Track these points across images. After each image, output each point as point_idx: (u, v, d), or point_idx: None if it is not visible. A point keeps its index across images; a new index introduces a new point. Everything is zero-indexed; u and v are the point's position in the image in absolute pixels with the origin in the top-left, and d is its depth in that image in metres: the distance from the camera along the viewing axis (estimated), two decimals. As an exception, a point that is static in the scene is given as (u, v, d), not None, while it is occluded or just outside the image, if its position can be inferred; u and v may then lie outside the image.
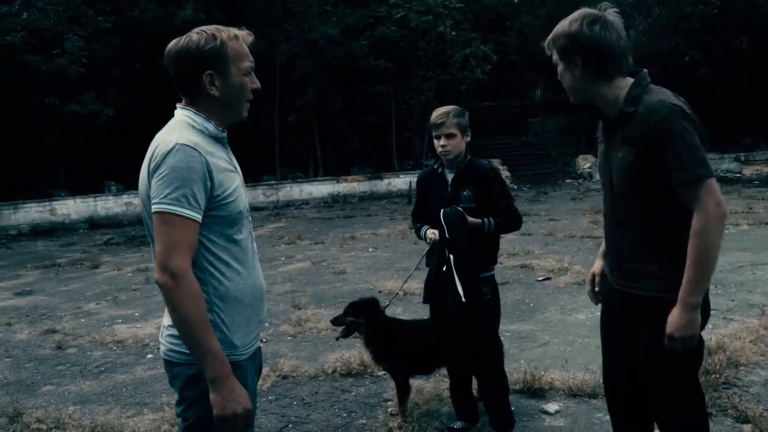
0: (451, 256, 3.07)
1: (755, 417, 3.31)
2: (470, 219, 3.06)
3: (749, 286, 6.26)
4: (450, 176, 3.21)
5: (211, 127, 1.84)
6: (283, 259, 10.13)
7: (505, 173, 19.55)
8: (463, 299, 3.03)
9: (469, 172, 3.17)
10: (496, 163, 19.61)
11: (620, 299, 2.19)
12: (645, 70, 2.13)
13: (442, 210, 3.10)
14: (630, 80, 2.09)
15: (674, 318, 1.96)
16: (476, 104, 28.60)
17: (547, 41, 2.16)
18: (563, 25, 2.10)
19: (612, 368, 2.36)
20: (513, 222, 3.23)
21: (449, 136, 3.07)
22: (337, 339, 3.79)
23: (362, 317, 3.57)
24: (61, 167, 22.71)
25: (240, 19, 23.57)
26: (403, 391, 3.62)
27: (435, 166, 3.29)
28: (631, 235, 2.12)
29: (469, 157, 3.21)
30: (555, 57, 2.14)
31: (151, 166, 1.74)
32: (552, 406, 3.72)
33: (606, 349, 2.37)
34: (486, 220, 3.10)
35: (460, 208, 3.06)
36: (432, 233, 3.21)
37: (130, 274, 9.61)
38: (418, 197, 3.47)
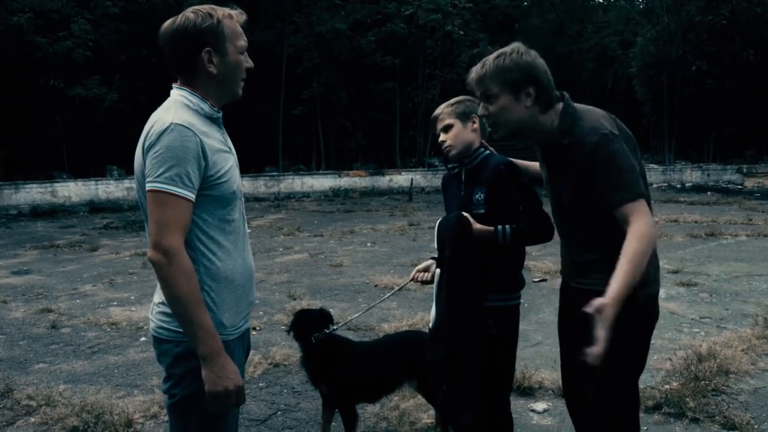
0: (437, 271, 2.56)
1: (742, 425, 3.32)
2: (478, 227, 2.47)
3: (744, 296, 6.27)
4: (464, 176, 2.70)
5: (206, 107, 1.85)
6: (281, 249, 10.15)
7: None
8: (430, 325, 2.56)
9: (483, 171, 2.59)
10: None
11: (578, 297, 2.19)
12: (566, 95, 2.14)
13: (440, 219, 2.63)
14: (559, 107, 2.12)
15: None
16: (482, 104, 28.68)
17: (480, 76, 2.11)
18: (506, 59, 2.07)
19: (566, 366, 2.41)
20: (539, 229, 2.48)
21: (446, 129, 2.64)
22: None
23: (292, 332, 3.20)
24: (63, 149, 22.74)
25: (249, 10, 23.57)
26: (350, 420, 3.20)
27: (452, 166, 2.77)
28: (582, 248, 2.22)
29: (485, 152, 2.64)
30: (495, 90, 2.10)
31: (146, 145, 1.75)
32: (540, 405, 3.73)
33: (562, 349, 2.44)
34: (500, 228, 2.47)
35: (465, 214, 2.49)
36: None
37: (127, 258, 9.64)
38: (444, 202, 2.91)
